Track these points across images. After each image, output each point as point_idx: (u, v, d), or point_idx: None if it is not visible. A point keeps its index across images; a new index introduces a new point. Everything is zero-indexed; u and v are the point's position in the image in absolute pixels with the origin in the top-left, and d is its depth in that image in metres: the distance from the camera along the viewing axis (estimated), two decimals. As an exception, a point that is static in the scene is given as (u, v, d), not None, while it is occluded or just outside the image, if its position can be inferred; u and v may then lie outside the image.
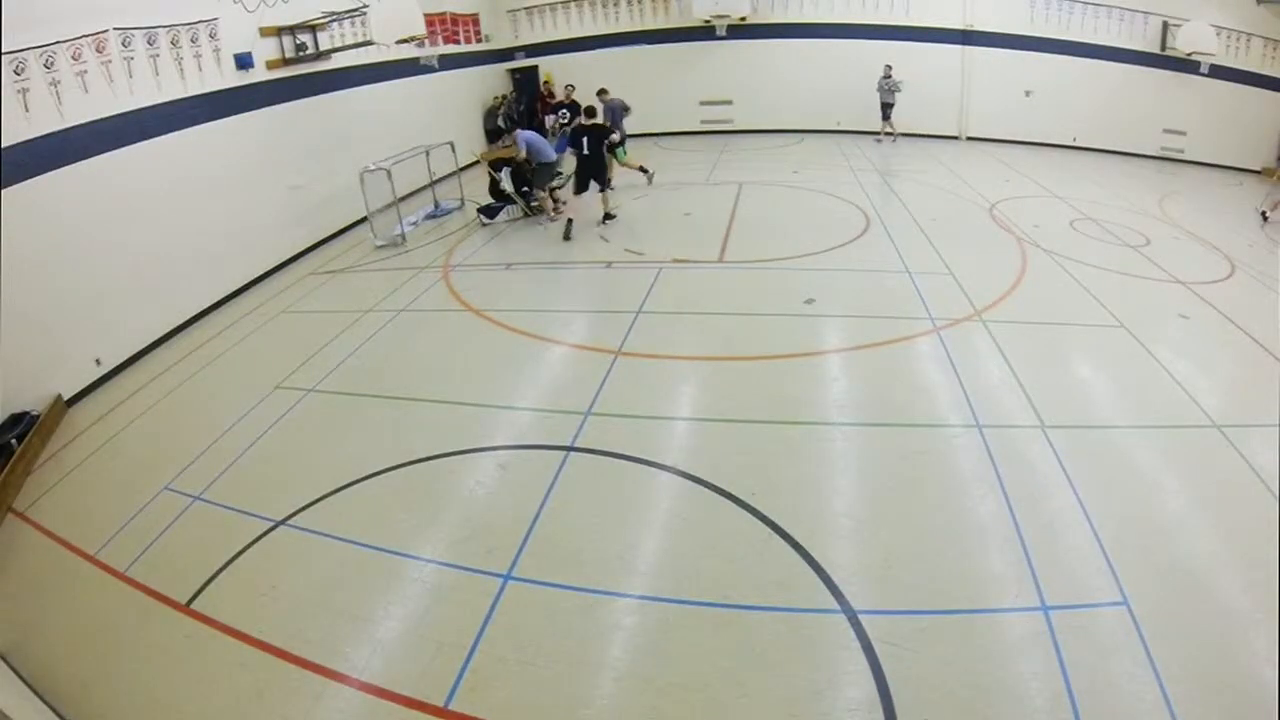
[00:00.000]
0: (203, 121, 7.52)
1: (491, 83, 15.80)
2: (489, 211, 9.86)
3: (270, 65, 8.64)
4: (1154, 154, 13.60)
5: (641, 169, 11.33)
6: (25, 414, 5.29)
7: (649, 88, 16.11)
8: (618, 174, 10.39)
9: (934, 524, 3.77)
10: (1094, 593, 3.27)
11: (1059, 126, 14.66)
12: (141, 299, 6.64)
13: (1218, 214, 10.45)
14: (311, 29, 9.21)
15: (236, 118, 8.04)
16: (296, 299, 7.73)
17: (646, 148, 15.32)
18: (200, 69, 7.54)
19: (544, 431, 4.78)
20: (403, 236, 9.51)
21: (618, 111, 11.06)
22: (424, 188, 11.21)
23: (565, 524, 3.90)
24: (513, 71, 16.39)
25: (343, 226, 10.01)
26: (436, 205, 10.79)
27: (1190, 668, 2.89)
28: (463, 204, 10.87)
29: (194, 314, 7.35)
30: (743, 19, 15.25)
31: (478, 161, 11.08)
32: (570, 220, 9.10)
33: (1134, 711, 2.73)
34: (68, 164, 5.92)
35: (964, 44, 14.76)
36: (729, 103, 16.20)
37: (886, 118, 14.42)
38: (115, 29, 6.45)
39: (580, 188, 9.19)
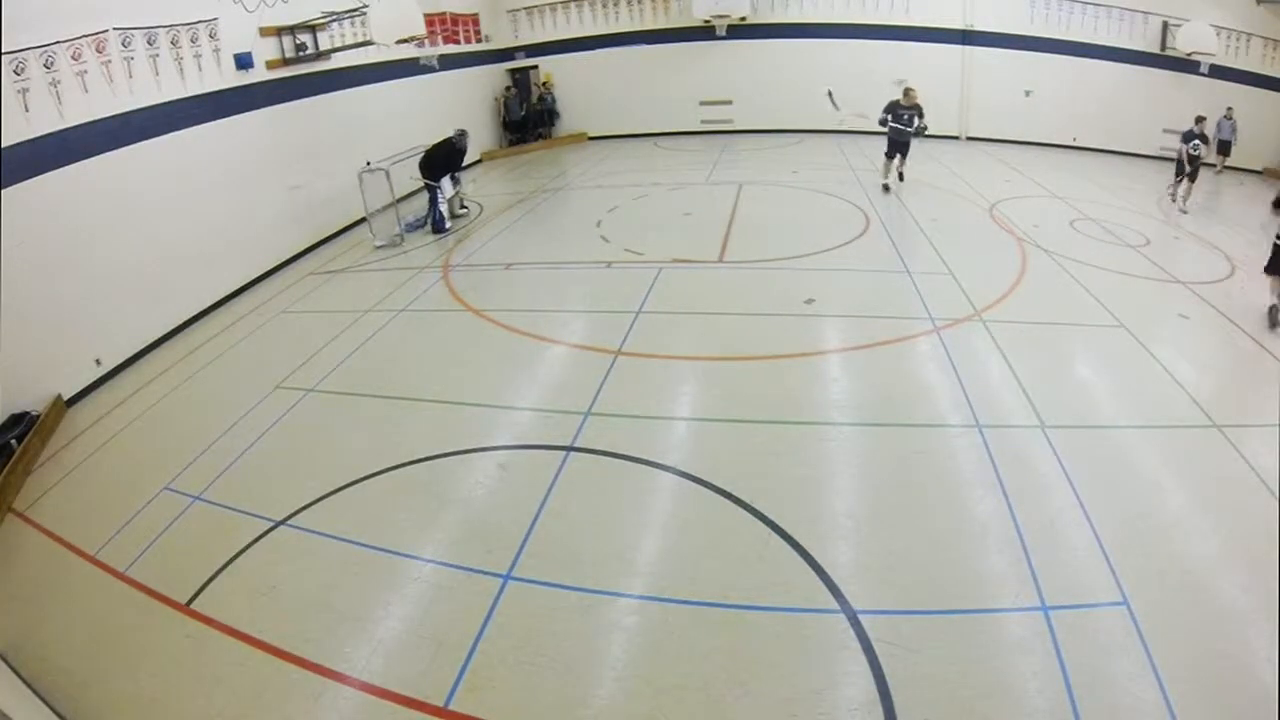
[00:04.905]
0: (203, 121, 7.53)
1: (491, 83, 15.82)
2: (439, 223, 9.83)
3: (270, 65, 8.65)
4: (1154, 154, 13.60)
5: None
6: (25, 414, 5.29)
7: (649, 88, 16.16)
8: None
9: (934, 524, 3.77)
10: (1094, 593, 3.27)
11: (1059, 126, 14.65)
12: (141, 299, 6.64)
13: (1218, 214, 10.45)
14: (311, 29, 9.22)
15: (236, 118, 8.05)
16: (296, 299, 7.73)
17: (647, 148, 15.37)
18: (200, 69, 7.54)
19: (544, 431, 4.78)
20: (402, 236, 9.52)
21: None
22: (424, 188, 11.20)
23: (565, 524, 3.90)
24: (512, 71, 16.40)
25: (342, 227, 10.02)
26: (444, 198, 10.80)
27: (1190, 668, 2.89)
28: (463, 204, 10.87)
29: (194, 314, 7.35)
30: (743, 19, 15.26)
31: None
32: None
33: (1134, 711, 2.73)
34: (68, 164, 5.93)
35: (964, 44, 14.76)
36: (729, 103, 16.20)
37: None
38: (115, 29, 6.45)
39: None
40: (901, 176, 10.88)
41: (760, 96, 15.83)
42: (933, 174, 11.95)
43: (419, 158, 9.86)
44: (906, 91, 10.42)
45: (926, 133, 10.49)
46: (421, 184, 10.06)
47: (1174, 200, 10.28)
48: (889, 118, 10.38)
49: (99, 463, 5.03)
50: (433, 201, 9.87)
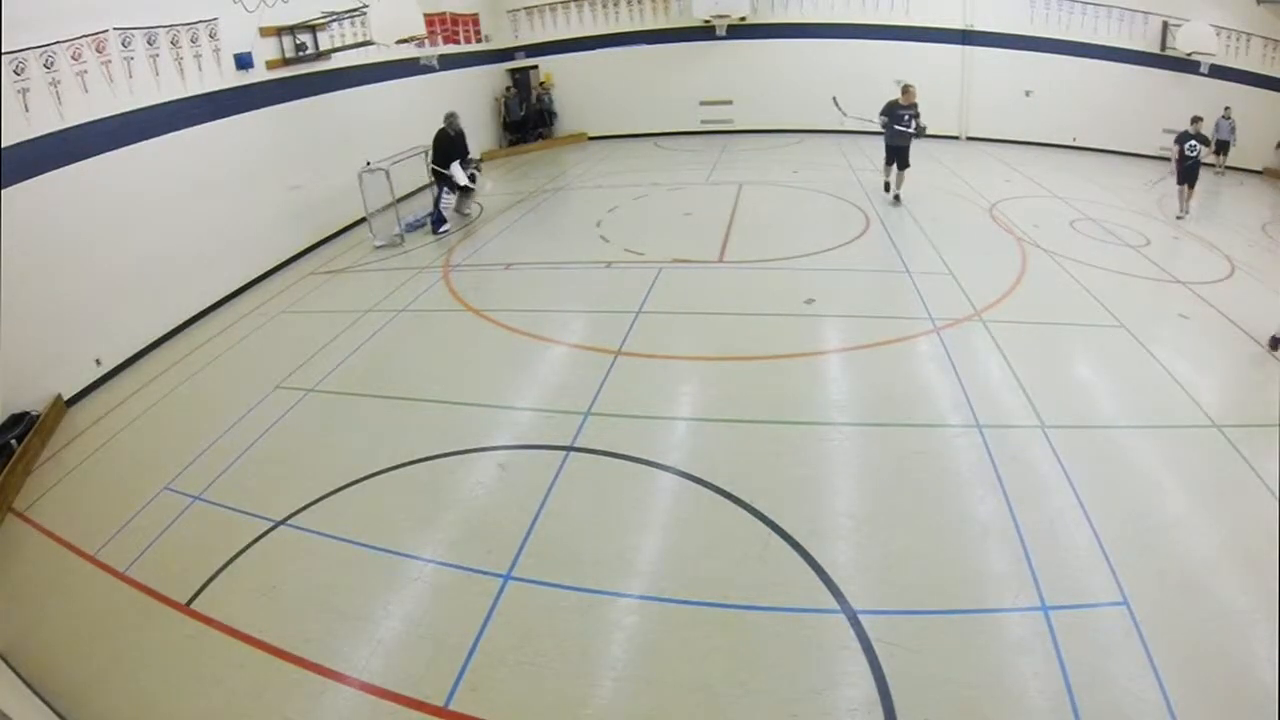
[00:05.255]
0: (203, 121, 7.53)
1: (491, 83, 15.83)
2: (437, 223, 9.75)
3: (270, 65, 8.65)
4: (1154, 154, 13.61)
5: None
6: (25, 414, 5.29)
7: (649, 88, 16.16)
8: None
9: (934, 524, 3.77)
10: (1094, 593, 3.27)
11: (1059, 126, 14.65)
12: (141, 299, 6.64)
13: (1218, 214, 10.46)
14: (311, 29, 9.22)
15: (236, 118, 8.05)
16: (296, 299, 7.73)
17: (647, 148, 15.38)
18: (200, 69, 7.54)
19: (544, 431, 4.78)
20: (401, 236, 9.52)
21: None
22: (423, 188, 11.22)
23: (565, 524, 3.90)
24: (512, 71, 16.41)
25: (342, 227, 10.02)
26: (459, 189, 10.70)
27: (1190, 668, 2.89)
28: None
29: (194, 314, 7.35)
30: (743, 19, 15.26)
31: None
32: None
33: (1134, 711, 2.73)
34: (68, 164, 5.93)
35: (964, 44, 14.77)
36: (729, 103, 16.20)
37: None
38: (115, 29, 6.46)
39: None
40: (898, 200, 10.06)
41: (760, 96, 15.82)
42: (933, 174, 11.95)
43: (427, 160, 9.75)
44: (905, 89, 9.93)
45: (926, 133, 10.03)
46: (428, 184, 9.97)
47: (1180, 207, 9.84)
48: (888, 119, 9.91)
49: (99, 463, 5.03)
50: (437, 200, 9.78)
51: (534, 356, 5.94)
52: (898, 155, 10.10)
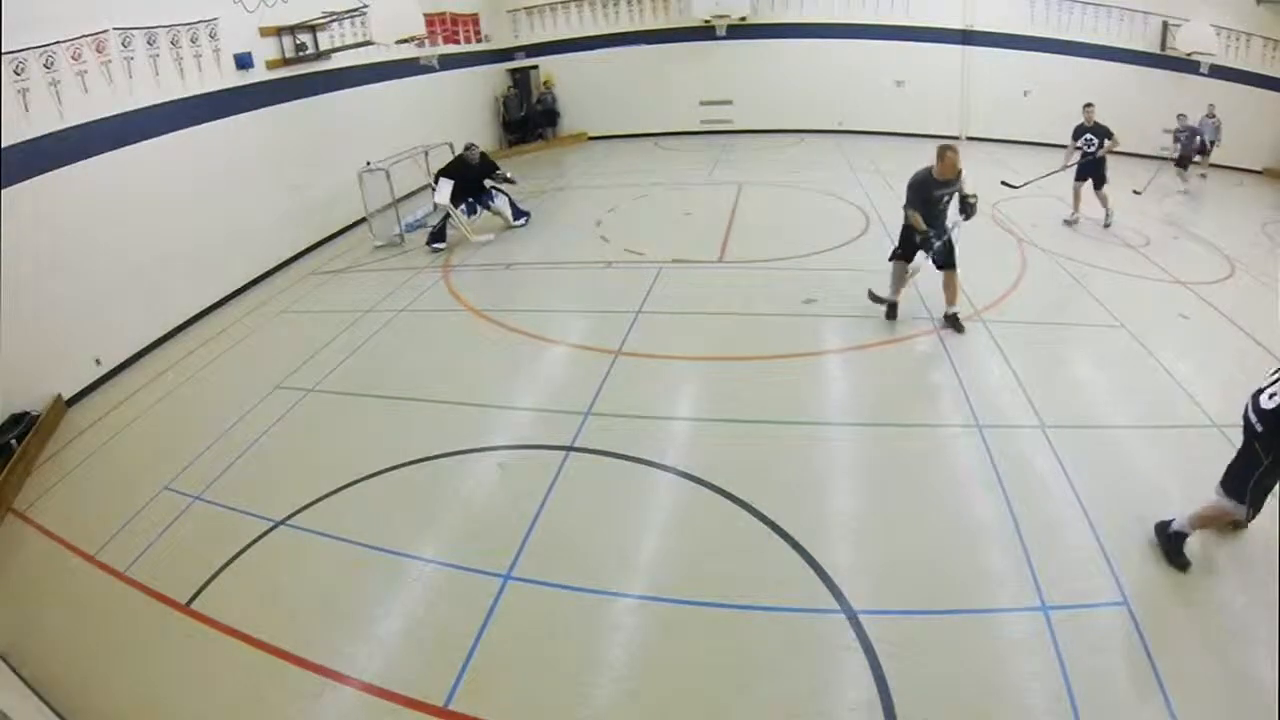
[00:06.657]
0: (203, 121, 7.53)
1: (491, 83, 15.83)
2: (436, 238, 9.08)
3: (270, 65, 8.65)
4: (1154, 154, 13.60)
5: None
6: (25, 414, 5.29)
7: (649, 88, 16.15)
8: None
9: (934, 524, 3.77)
10: (1094, 593, 3.27)
11: (1059, 126, 14.60)
12: (141, 299, 6.64)
13: (1218, 214, 10.46)
14: (311, 29, 9.21)
15: (236, 118, 8.05)
16: (296, 299, 7.74)
17: (647, 148, 15.37)
18: (200, 69, 7.54)
19: (544, 431, 4.78)
20: (401, 236, 9.51)
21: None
22: (423, 188, 11.20)
23: (565, 524, 3.90)
24: (513, 71, 16.41)
25: (342, 227, 10.02)
26: (436, 207, 10.70)
27: (1190, 668, 2.89)
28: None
29: (194, 314, 7.36)
30: (743, 19, 15.25)
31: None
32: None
33: (1134, 712, 2.73)
34: (68, 164, 5.93)
35: (964, 44, 14.77)
36: (729, 103, 16.20)
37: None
38: (115, 29, 6.46)
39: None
40: (894, 309, 6.16)
41: (760, 96, 15.82)
42: (933, 174, 11.92)
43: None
44: (943, 155, 5.71)
45: (974, 212, 5.90)
46: (428, 184, 9.78)
47: (1076, 209, 8.94)
48: (917, 208, 5.71)
49: (99, 463, 5.03)
50: (448, 215, 9.13)
51: (534, 356, 5.94)
52: (938, 242, 5.79)
